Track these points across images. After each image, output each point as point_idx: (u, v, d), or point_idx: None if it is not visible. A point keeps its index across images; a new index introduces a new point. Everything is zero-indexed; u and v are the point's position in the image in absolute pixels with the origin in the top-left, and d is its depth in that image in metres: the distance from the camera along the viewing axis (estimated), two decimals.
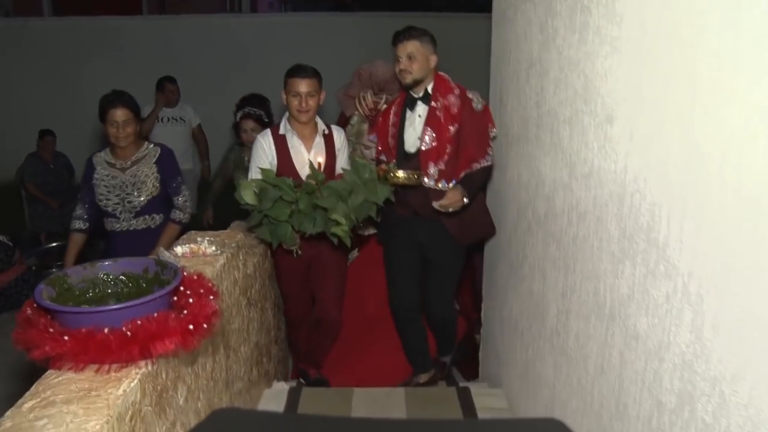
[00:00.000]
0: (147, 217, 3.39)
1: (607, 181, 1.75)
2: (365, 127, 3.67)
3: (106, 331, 1.69)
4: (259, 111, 4.03)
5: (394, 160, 3.19)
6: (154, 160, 3.37)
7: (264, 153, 3.24)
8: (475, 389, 3.32)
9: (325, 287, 3.43)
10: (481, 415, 3.07)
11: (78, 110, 8.59)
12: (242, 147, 4.19)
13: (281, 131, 3.26)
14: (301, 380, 3.69)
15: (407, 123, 3.20)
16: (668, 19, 1.36)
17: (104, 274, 2.02)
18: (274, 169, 3.16)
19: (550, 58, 2.28)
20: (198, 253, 2.56)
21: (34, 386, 1.65)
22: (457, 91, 3.10)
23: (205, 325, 1.82)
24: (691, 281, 1.29)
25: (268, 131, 3.32)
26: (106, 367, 1.68)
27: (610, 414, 1.74)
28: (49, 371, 1.70)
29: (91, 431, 1.46)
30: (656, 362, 1.45)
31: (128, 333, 1.69)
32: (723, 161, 1.16)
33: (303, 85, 3.12)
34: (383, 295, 3.64)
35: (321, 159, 3.14)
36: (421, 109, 3.14)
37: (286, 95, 3.18)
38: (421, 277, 3.42)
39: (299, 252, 3.12)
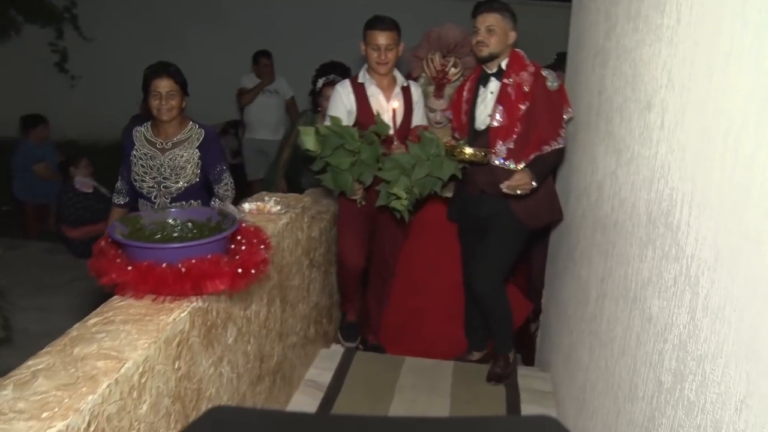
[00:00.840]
0: (184, 203, 3.09)
1: (642, 167, 1.78)
2: (431, 89, 3.58)
3: (164, 265, 1.89)
4: (341, 78, 3.77)
5: (465, 137, 3.13)
6: (198, 143, 3.08)
7: (341, 102, 3.23)
8: (524, 371, 3.38)
9: (387, 237, 3.49)
10: (525, 396, 3.13)
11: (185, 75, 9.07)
12: (316, 114, 4.10)
13: (360, 80, 3.26)
14: (360, 346, 3.72)
15: (479, 100, 3.11)
16: (695, 7, 1.39)
17: (172, 219, 2.23)
18: (353, 118, 3.18)
19: (610, 47, 2.31)
20: (263, 210, 2.74)
21: (99, 307, 1.88)
22: (531, 69, 2.99)
23: (253, 271, 2.00)
24: (692, 263, 1.33)
25: (347, 81, 3.32)
26: (162, 297, 1.89)
27: (624, 395, 1.79)
28: (115, 296, 1.93)
29: (140, 347, 1.66)
30: (661, 343, 1.49)
31: (183, 269, 1.88)
32: (725, 147, 1.20)
33: (382, 38, 3.12)
34: (429, 262, 3.70)
35: (396, 104, 3.16)
36: (494, 85, 3.05)
37: (365, 46, 3.18)
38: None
39: (363, 202, 3.16)
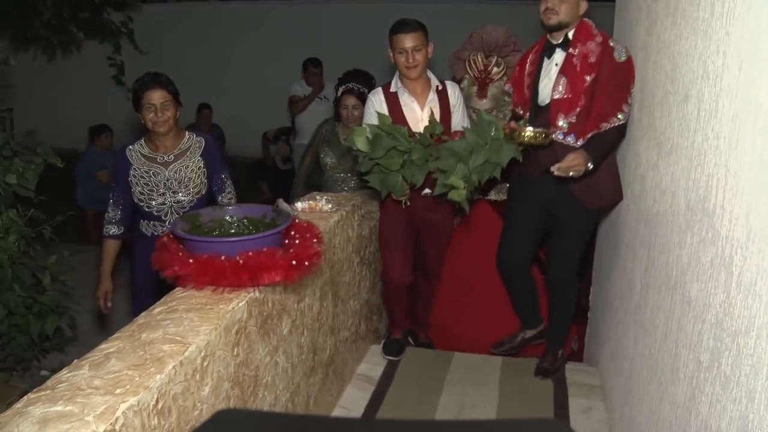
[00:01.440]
0: None
1: (680, 157, 1.83)
2: (474, 89, 3.52)
3: (222, 258, 2.01)
4: (362, 87, 3.78)
5: (527, 115, 2.96)
6: (200, 152, 3.00)
7: (375, 111, 3.09)
8: (571, 366, 3.40)
9: (432, 245, 3.41)
10: (572, 390, 3.16)
11: (232, 85, 9.35)
12: (338, 123, 3.96)
13: (392, 89, 3.15)
14: (410, 340, 3.73)
15: (543, 73, 2.94)
16: None
17: (229, 216, 2.36)
18: None
19: (652, 42, 2.35)
20: (315, 209, 2.86)
21: (164, 298, 2.01)
22: (599, 39, 2.78)
23: (306, 263, 2.11)
24: (726, 245, 1.38)
25: (380, 89, 3.21)
26: (221, 288, 2.01)
27: (666, 378, 1.83)
28: (177, 288, 2.06)
29: (202, 333, 1.78)
30: (700, 324, 1.54)
31: (240, 261, 2.00)
32: (754, 130, 1.25)
33: (408, 40, 3.00)
34: (482, 261, 3.62)
35: (426, 116, 3.05)
36: (559, 56, 2.86)
37: (392, 53, 3.07)
38: (538, 239, 3.20)
39: (408, 203, 3.01)
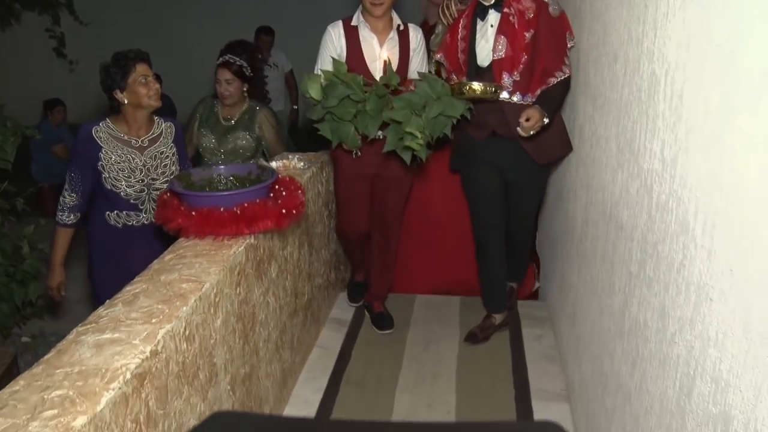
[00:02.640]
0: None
1: (612, 108, 2.18)
2: (448, 37, 3.37)
3: (221, 210, 2.28)
4: (239, 60, 3.40)
5: (464, 77, 2.94)
6: (172, 138, 2.94)
7: (332, 44, 3.07)
8: (523, 303, 3.79)
9: (387, 205, 3.30)
10: (525, 322, 3.54)
11: (178, 55, 9.39)
12: (216, 101, 3.55)
13: (353, 22, 3.08)
14: (365, 312, 3.66)
15: (478, 35, 2.94)
16: None
17: (218, 175, 2.61)
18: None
19: (585, 9, 2.69)
20: (289, 167, 3.13)
21: (171, 246, 2.27)
22: None
23: (294, 211, 2.40)
24: (648, 176, 1.73)
25: (339, 21, 3.12)
26: (221, 237, 2.28)
27: (605, 293, 2.20)
28: (181, 239, 2.32)
29: (212, 273, 2.06)
30: (629, 242, 1.90)
31: (238, 212, 2.28)
32: (665, 83, 1.59)
33: None
34: (447, 197, 3.74)
35: (386, 55, 3.01)
36: (494, 17, 2.89)
37: None
38: (503, 201, 3.20)
39: (359, 153, 3.00)
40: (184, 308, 1.84)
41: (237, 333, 2.25)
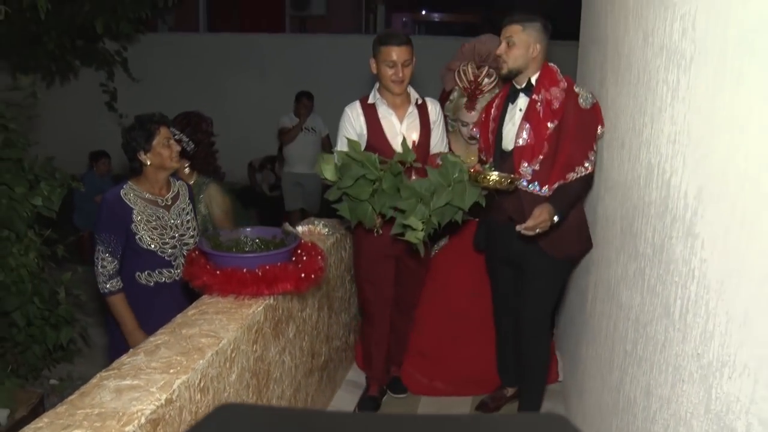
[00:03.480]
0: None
1: (617, 191, 2.28)
2: (464, 101, 3.38)
3: (244, 270, 2.42)
4: (179, 135, 3.16)
5: (492, 160, 2.88)
6: (188, 196, 3.02)
7: (351, 125, 3.04)
8: None
9: (407, 278, 3.31)
10: None
11: (223, 117, 9.77)
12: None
13: (370, 100, 3.06)
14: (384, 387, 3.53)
15: (507, 117, 2.89)
16: None
17: (244, 237, 2.76)
18: (364, 142, 2.99)
19: (603, 94, 2.82)
20: (314, 232, 3.27)
21: (194, 303, 2.41)
22: (563, 84, 2.73)
23: (313, 276, 2.52)
24: (642, 259, 1.82)
25: (357, 102, 3.09)
26: (242, 296, 2.41)
27: (606, 370, 2.26)
28: (205, 296, 2.46)
29: (231, 330, 2.18)
30: (626, 322, 1.98)
31: (259, 273, 2.41)
32: (669, 169, 1.70)
33: (399, 53, 2.91)
34: (469, 289, 3.48)
35: (415, 136, 2.98)
36: (523, 101, 2.82)
37: (377, 64, 2.97)
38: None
39: (380, 231, 2.93)
40: (201, 361, 1.96)
41: (251, 388, 2.35)
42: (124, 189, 2.83)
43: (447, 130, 3.38)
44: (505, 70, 2.79)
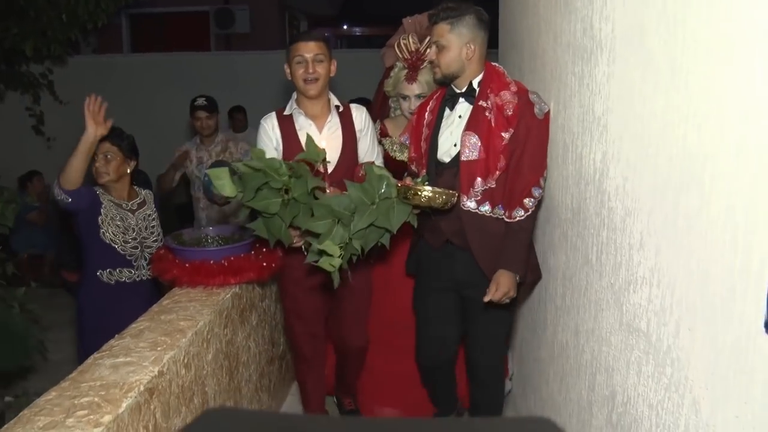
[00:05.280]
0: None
1: None
2: (404, 74, 3.09)
3: (211, 262, 2.64)
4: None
5: (424, 172, 2.54)
6: (152, 202, 3.19)
7: (267, 137, 2.76)
8: None
9: (346, 309, 2.93)
10: None
11: (151, 137, 9.84)
12: None
13: (286, 111, 2.78)
14: (337, 408, 3.37)
15: (443, 125, 2.54)
16: None
17: (205, 235, 2.98)
18: (280, 156, 2.69)
19: None
20: None
21: (167, 294, 2.62)
22: (514, 88, 2.39)
23: (273, 265, 2.76)
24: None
25: (273, 113, 2.82)
26: (210, 286, 2.63)
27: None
28: (175, 288, 2.66)
29: (205, 314, 2.40)
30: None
31: (225, 264, 2.64)
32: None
33: (307, 48, 2.65)
34: (403, 301, 3.02)
35: (332, 140, 2.71)
36: (463, 108, 2.48)
37: (289, 67, 2.71)
38: (459, 323, 2.71)
39: (306, 247, 2.37)
40: (183, 339, 2.18)
41: (224, 369, 2.57)
42: (98, 189, 3.00)
43: (387, 116, 3.25)
44: (439, 76, 2.49)
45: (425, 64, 3.01)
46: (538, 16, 2.59)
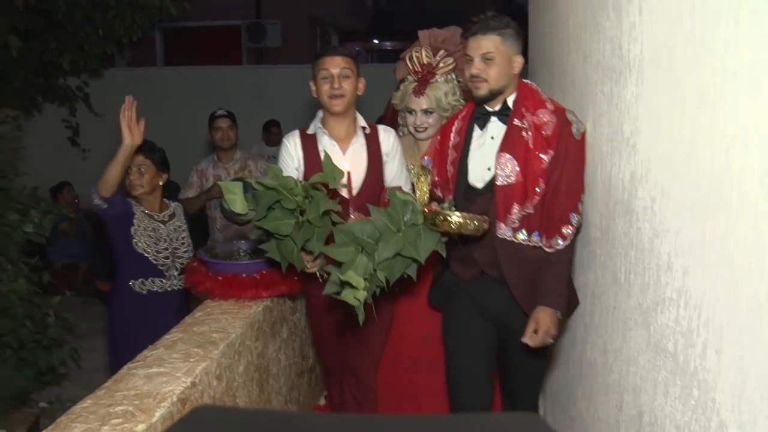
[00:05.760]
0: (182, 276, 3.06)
1: None
2: (413, 86, 2.92)
3: (244, 275, 2.69)
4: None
5: (451, 197, 2.38)
6: (183, 215, 3.28)
7: (289, 156, 2.66)
8: None
9: (360, 336, 2.72)
10: None
11: (182, 149, 10.02)
12: None
13: (310, 130, 2.67)
14: None
15: (474, 146, 2.37)
16: None
17: (237, 248, 3.04)
18: (301, 178, 2.57)
19: None
20: None
21: (199, 306, 2.67)
22: (551, 106, 2.25)
23: (304, 279, 2.80)
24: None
25: (296, 132, 2.72)
26: (243, 299, 2.68)
27: None
28: (207, 300, 2.72)
29: (237, 327, 2.44)
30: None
31: (257, 277, 2.69)
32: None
33: (333, 63, 2.53)
34: (420, 334, 2.92)
35: (357, 163, 2.57)
36: (496, 128, 2.33)
37: (315, 84, 2.61)
38: (494, 360, 2.52)
39: (325, 274, 2.21)
40: (216, 351, 2.22)
41: (255, 381, 2.61)
42: (131, 200, 3.09)
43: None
44: (484, 92, 2.27)
45: (436, 78, 2.89)
46: (568, 34, 2.61)
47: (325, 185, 2.12)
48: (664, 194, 1.45)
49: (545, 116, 2.21)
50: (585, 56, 2.26)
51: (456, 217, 2.02)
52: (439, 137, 2.57)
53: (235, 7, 11.51)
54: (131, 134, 2.75)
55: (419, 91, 2.87)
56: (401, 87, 3.01)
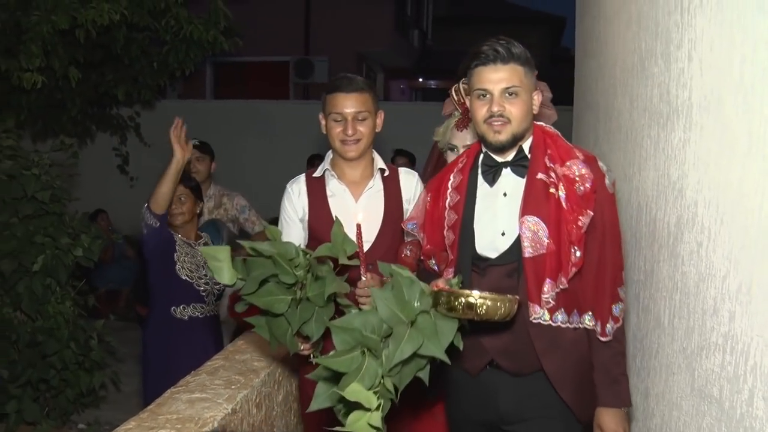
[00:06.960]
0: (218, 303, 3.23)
1: None
2: (455, 121, 2.45)
3: None
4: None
5: (451, 271, 1.89)
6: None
7: (292, 207, 2.27)
8: None
9: None
10: None
11: (231, 180, 10.20)
12: None
13: (317, 173, 2.27)
14: None
15: (480, 206, 1.90)
16: None
17: None
18: (305, 229, 2.26)
19: None
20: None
21: (241, 335, 2.72)
22: (581, 155, 1.82)
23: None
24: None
25: (301, 176, 2.33)
26: None
27: None
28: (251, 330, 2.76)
29: (278, 356, 2.48)
30: None
31: None
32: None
33: (349, 103, 2.14)
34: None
35: (361, 217, 1.90)
36: (511, 183, 1.86)
37: (325, 120, 2.22)
38: None
39: (315, 356, 1.63)
40: (257, 380, 2.26)
41: (293, 412, 2.64)
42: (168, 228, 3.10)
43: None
44: (506, 137, 1.81)
45: None
46: (615, 79, 2.63)
47: (334, 260, 1.67)
48: (711, 239, 1.45)
49: (579, 168, 1.78)
50: (632, 101, 2.28)
51: (482, 299, 1.46)
52: (428, 196, 2.05)
53: (284, 43, 11.79)
54: (181, 148, 2.80)
55: (462, 124, 2.38)
56: (447, 122, 2.56)
